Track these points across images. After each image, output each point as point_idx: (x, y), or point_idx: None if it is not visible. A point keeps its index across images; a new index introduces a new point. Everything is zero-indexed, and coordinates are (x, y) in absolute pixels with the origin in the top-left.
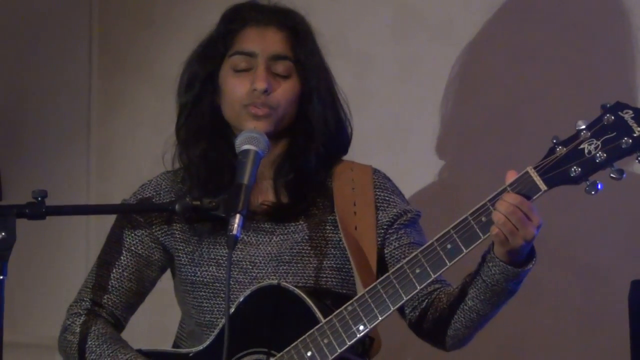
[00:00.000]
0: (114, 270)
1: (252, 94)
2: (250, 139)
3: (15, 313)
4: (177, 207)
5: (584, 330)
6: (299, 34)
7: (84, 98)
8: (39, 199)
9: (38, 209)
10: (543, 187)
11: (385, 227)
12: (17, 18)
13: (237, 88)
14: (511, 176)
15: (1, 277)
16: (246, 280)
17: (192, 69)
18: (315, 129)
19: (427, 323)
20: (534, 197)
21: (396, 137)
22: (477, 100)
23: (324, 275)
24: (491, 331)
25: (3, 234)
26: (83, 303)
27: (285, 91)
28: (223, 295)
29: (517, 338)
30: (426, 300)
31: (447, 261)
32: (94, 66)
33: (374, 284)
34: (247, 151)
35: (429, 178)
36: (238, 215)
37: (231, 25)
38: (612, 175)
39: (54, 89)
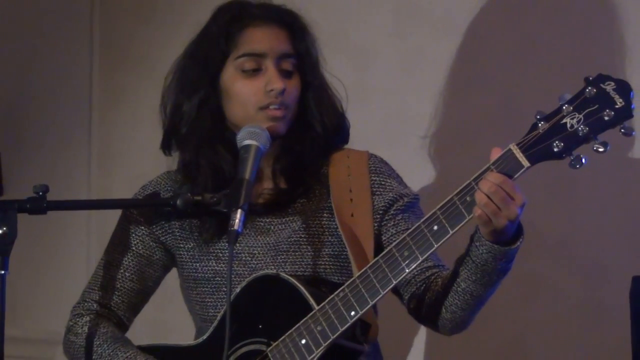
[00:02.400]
0: (116, 271)
1: (267, 94)
2: (251, 134)
3: (16, 308)
4: (178, 202)
5: (585, 326)
6: (297, 30)
7: (85, 93)
8: (40, 194)
9: (39, 204)
10: (526, 163)
11: (381, 212)
12: (18, 14)
13: (249, 90)
14: (496, 153)
15: (2, 272)
16: (246, 272)
17: (192, 73)
18: (313, 123)
19: (425, 308)
20: (518, 174)
21: (397, 132)
22: (479, 94)
23: (322, 263)
24: (492, 327)
25: (4, 229)
26: (85, 304)
27: (293, 89)
28: (225, 289)
29: (517, 334)
30: (423, 286)
31: (434, 243)
32: (95, 61)
33: (364, 268)
34: (248, 146)
35: (430, 172)
36: (239, 210)
37: (231, 24)
38: (596, 148)
39: (55, 84)
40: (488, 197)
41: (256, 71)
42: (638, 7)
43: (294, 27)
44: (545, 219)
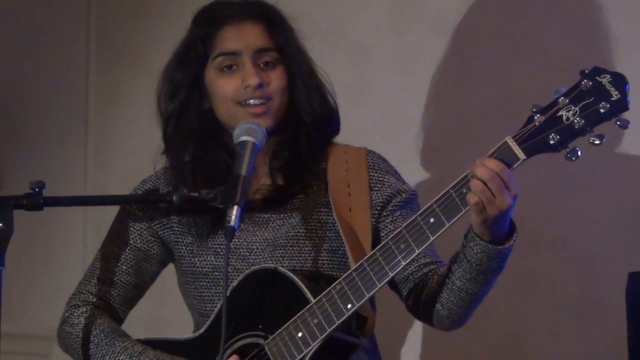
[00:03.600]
0: (113, 264)
1: (245, 90)
2: (248, 131)
3: (12, 304)
4: (174, 198)
5: (581, 322)
6: (275, 23)
7: (81, 90)
8: (37, 189)
9: (36, 200)
10: (522, 156)
11: (379, 207)
12: (14, 10)
13: (227, 87)
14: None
15: None
16: (244, 267)
17: (174, 77)
18: (303, 113)
19: (422, 305)
20: (513, 167)
21: (394, 129)
22: (475, 91)
23: (320, 258)
24: (488, 323)
25: (0, 225)
26: (81, 295)
27: (276, 80)
28: (223, 284)
29: (514, 330)
30: (421, 283)
31: (430, 235)
32: (92, 58)
33: (361, 261)
34: (245, 142)
35: (426, 168)
36: (236, 207)
37: (207, 27)
38: (592, 140)
39: (51, 81)
40: (484, 183)
41: (233, 69)
42: (632, 1)
43: (270, 20)
44: (541, 214)
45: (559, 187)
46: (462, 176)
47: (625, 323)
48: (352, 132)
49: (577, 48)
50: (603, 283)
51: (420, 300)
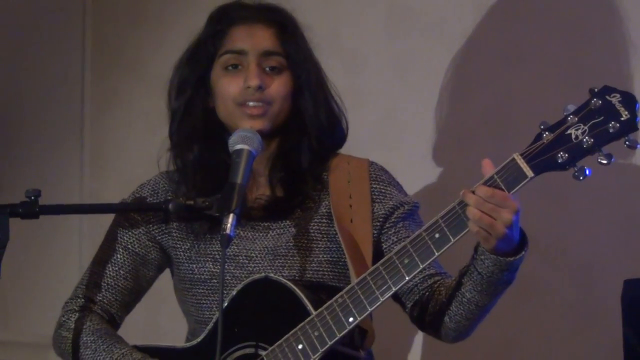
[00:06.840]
0: (110, 268)
1: (245, 91)
2: (243, 138)
3: (8, 312)
4: (170, 206)
5: (577, 328)
6: (287, 29)
7: (77, 97)
8: (32, 198)
9: (31, 208)
10: (530, 173)
11: (381, 219)
12: (10, 17)
13: (229, 86)
14: (487, 165)
15: None
16: (243, 275)
17: (183, 73)
18: (308, 124)
19: (429, 317)
20: (521, 184)
21: (390, 136)
22: (471, 98)
23: (320, 269)
24: (483, 328)
25: None
26: (78, 300)
27: (279, 86)
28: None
29: (509, 336)
30: (427, 294)
31: (435, 251)
32: (87, 65)
33: (363, 275)
34: (240, 151)
35: (423, 176)
36: (231, 215)
37: (218, 25)
38: (600, 160)
39: (47, 88)
40: (480, 210)
41: (238, 68)
42: (634, 7)
43: (283, 26)
44: (538, 221)
45: (555, 194)
46: None
47: (621, 330)
48: (348, 139)
49: (573, 55)
50: (599, 290)
51: (426, 312)
